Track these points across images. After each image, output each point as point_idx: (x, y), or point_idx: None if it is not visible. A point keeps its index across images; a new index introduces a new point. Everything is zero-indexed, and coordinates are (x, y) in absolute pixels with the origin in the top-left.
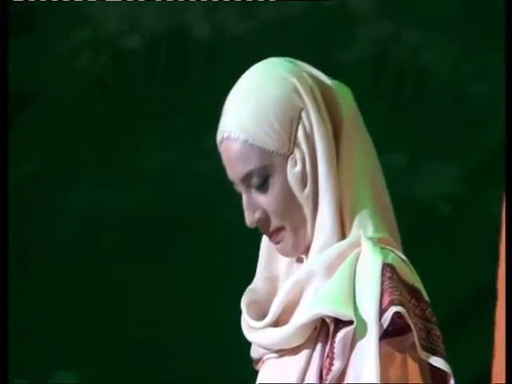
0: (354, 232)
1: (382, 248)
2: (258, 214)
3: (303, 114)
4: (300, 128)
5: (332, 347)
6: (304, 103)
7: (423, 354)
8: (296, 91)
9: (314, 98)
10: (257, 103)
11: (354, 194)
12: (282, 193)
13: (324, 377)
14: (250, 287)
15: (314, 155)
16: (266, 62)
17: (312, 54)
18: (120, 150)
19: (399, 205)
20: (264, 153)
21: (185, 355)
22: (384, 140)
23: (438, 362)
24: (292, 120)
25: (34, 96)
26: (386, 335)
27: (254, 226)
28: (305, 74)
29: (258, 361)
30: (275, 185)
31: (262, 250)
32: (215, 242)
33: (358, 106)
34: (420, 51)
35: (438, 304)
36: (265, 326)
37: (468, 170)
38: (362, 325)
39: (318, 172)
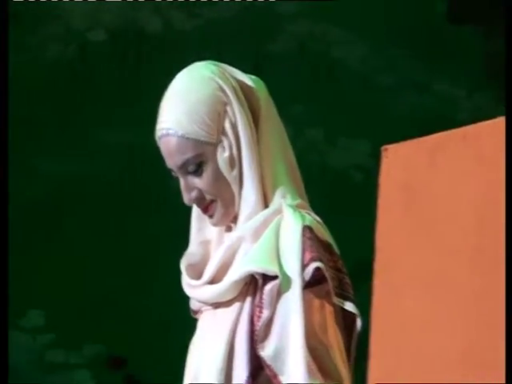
0: (276, 201)
1: (301, 212)
2: (194, 194)
3: (228, 108)
4: (226, 120)
5: (261, 298)
6: (228, 99)
7: (336, 300)
8: (221, 89)
9: (236, 95)
10: (189, 102)
11: (273, 171)
12: (213, 175)
13: (255, 323)
14: (186, 252)
15: (238, 142)
16: (194, 65)
17: (246, 47)
18: (84, 126)
19: (317, 174)
20: (198, 143)
21: (136, 308)
22: (305, 118)
23: (348, 306)
24: (219, 114)
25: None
26: (307, 285)
27: (191, 204)
28: (227, 75)
29: (197, 312)
30: (208, 169)
31: (193, 218)
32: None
33: (283, 90)
34: (333, 45)
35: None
36: (202, 284)
37: (379, 143)
38: (287, 278)
39: (242, 156)
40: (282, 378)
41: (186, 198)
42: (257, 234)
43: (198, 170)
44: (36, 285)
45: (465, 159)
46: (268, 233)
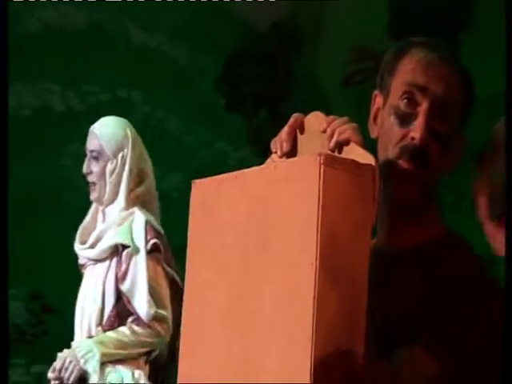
0: (133, 208)
1: (146, 214)
2: (88, 169)
3: (125, 147)
4: (120, 154)
5: (121, 259)
6: (127, 142)
7: (165, 266)
8: (126, 136)
9: (133, 141)
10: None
11: (134, 188)
12: (100, 170)
13: (117, 272)
14: (80, 229)
15: (123, 167)
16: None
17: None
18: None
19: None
20: (102, 149)
21: None
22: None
23: (169, 270)
24: (120, 148)
25: None
26: (148, 253)
27: (85, 173)
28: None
29: (83, 265)
30: (99, 164)
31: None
32: None
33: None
34: (163, 120)
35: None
36: (86, 248)
37: (188, 175)
38: (136, 247)
39: (123, 175)
40: (133, 302)
41: (84, 169)
42: (119, 224)
43: (94, 159)
44: None
45: (235, 192)
46: (126, 224)
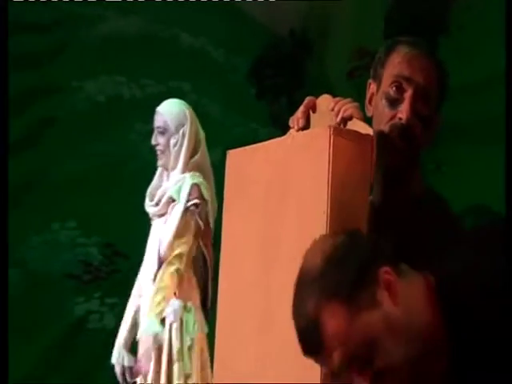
0: (186, 174)
1: (194, 178)
2: (156, 142)
3: (185, 124)
4: (181, 129)
5: (168, 209)
6: (186, 120)
7: (199, 218)
8: (185, 115)
9: (191, 121)
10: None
11: (189, 159)
12: (166, 140)
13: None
14: (149, 189)
15: (182, 141)
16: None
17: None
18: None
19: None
20: (166, 124)
21: None
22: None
23: (201, 223)
24: (181, 124)
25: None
26: (188, 207)
27: (154, 144)
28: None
29: (152, 219)
30: (165, 137)
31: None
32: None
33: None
34: (206, 106)
35: None
36: (153, 205)
37: (226, 148)
38: (179, 202)
39: (183, 148)
40: (163, 244)
41: (152, 141)
42: (174, 186)
43: (161, 133)
44: (72, 195)
45: (260, 158)
46: (179, 184)
